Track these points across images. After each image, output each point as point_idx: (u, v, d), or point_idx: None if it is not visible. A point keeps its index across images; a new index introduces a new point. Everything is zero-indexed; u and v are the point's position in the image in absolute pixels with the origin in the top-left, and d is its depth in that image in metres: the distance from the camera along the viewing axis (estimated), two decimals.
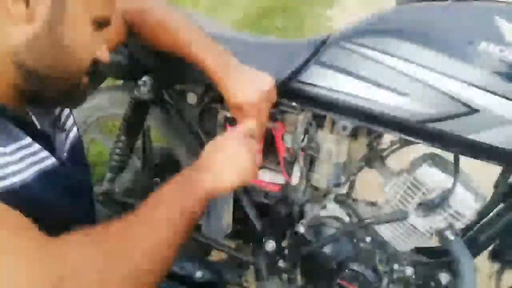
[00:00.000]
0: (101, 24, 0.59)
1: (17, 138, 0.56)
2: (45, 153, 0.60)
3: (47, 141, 0.63)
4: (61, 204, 0.62)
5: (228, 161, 0.67)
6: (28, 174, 0.55)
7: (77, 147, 0.74)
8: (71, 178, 0.66)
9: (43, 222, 0.52)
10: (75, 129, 0.75)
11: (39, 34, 0.54)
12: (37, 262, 0.48)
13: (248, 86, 0.82)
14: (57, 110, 0.70)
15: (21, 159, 0.55)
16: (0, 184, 0.51)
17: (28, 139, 0.58)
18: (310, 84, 0.84)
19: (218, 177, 0.65)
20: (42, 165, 0.59)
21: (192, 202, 0.62)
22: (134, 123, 1.09)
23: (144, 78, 1.00)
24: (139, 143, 1.16)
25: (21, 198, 0.52)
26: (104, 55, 0.62)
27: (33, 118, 0.63)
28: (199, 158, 0.69)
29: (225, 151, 0.68)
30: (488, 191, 0.88)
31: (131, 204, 1.19)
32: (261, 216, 1.03)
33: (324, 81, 0.83)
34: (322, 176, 0.94)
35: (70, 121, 0.74)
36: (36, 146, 0.59)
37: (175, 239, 0.59)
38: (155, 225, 0.58)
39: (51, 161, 0.61)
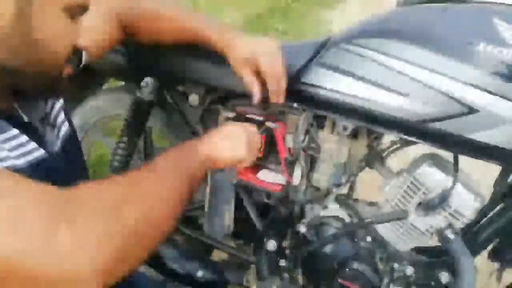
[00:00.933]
0: (75, 12, 0.56)
1: (2, 130, 0.54)
2: (33, 145, 0.58)
3: (35, 134, 0.61)
4: None
5: (227, 138, 0.71)
6: (19, 162, 0.54)
7: (71, 141, 0.72)
8: (65, 171, 0.65)
9: None
10: (66, 123, 0.73)
11: (7, 30, 0.51)
12: (43, 203, 0.47)
13: (255, 42, 0.83)
14: (48, 107, 0.69)
15: (10, 150, 0.54)
16: None
17: (15, 131, 0.56)
18: (311, 85, 0.85)
19: (218, 147, 0.69)
20: (31, 156, 0.57)
21: (193, 164, 0.65)
22: (136, 124, 1.10)
23: (146, 79, 1.00)
24: (141, 144, 1.16)
25: None
26: (82, 41, 0.59)
27: (20, 112, 0.61)
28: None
29: (225, 132, 0.72)
30: (487, 190, 0.88)
31: None
32: (262, 216, 1.04)
33: (325, 82, 0.83)
34: (323, 176, 0.94)
35: (60, 117, 0.71)
36: (24, 138, 0.57)
37: (180, 193, 0.60)
38: (163, 176, 0.60)
39: (40, 153, 0.59)
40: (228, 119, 0.98)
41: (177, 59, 0.93)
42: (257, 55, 0.81)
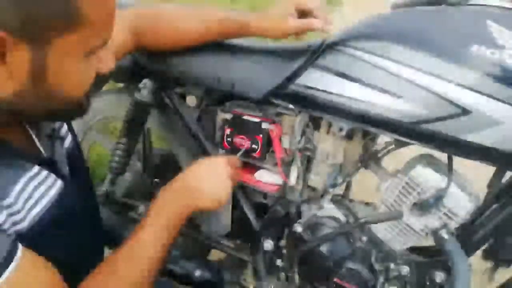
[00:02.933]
0: (96, 49, 0.55)
1: (26, 169, 0.58)
2: (52, 179, 0.62)
3: (53, 167, 0.64)
4: (71, 226, 0.66)
5: (202, 181, 0.76)
6: (44, 201, 0.60)
7: (75, 155, 0.75)
8: (77, 194, 0.69)
9: (56, 252, 0.57)
10: (69, 134, 0.75)
11: (24, 87, 0.51)
12: None
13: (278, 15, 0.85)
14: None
15: (34, 189, 0.58)
16: (18, 226, 0.55)
17: (36, 168, 0.59)
18: (306, 86, 0.85)
19: (198, 197, 0.75)
20: (53, 191, 0.62)
21: (173, 222, 0.72)
22: (134, 126, 1.11)
23: (144, 81, 1.01)
24: (139, 145, 1.17)
25: (33, 236, 0.57)
26: (105, 68, 0.59)
27: (36, 140, 0.64)
28: (175, 179, 0.78)
29: (203, 174, 0.77)
30: (482, 191, 0.89)
31: (131, 205, 1.21)
32: (259, 216, 1.05)
33: (320, 84, 0.84)
34: (319, 176, 0.95)
35: (64, 128, 0.74)
36: (44, 173, 0.61)
37: (163, 252, 0.70)
38: (146, 248, 0.68)
39: (58, 185, 0.63)
40: (225, 120, 0.99)
41: (175, 60, 0.94)
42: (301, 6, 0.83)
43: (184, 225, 0.74)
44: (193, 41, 0.89)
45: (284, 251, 1.02)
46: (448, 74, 0.75)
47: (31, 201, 0.57)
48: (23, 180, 0.57)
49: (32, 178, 0.58)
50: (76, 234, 0.67)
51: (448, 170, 0.84)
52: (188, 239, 1.19)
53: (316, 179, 0.95)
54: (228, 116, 0.98)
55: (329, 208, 0.98)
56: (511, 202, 0.86)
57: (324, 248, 0.95)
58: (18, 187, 0.55)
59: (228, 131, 0.99)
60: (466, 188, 0.85)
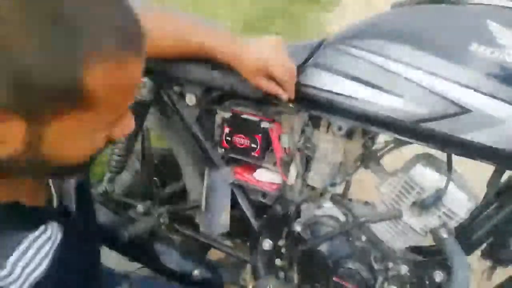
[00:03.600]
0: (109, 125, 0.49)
1: (31, 231, 0.54)
2: (56, 231, 0.58)
3: (65, 212, 0.62)
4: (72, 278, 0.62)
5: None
6: (39, 272, 0.54)
7: (82, 185, 0.70)
8: (79, 230, 0.66)
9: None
10: None
11: (20, 153, 0.45)
12: None
13: (260, 47, 0.81)
14: None
15: (35, 253, 0.54)
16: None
17: (42, 227, 0.55)
18: (306, 85, 0.85)
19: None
20: (55, 245, 0.57)
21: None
22: None
23: (143, 79, 1.01)
24: (138, 144, 1.17)
25: None
26: (119, 134, 0.52)
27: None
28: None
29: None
30: (481, 190, 0.89)
31: (130, 204, 1.20)
32: (258, 215, 1.05)
33: (320, 82, 0.84)
34: (318, 176, 0.95)
35: None
36: (48, 233, 0.56)
37: None
38: None
39: (59, 238, 0.58)
40: (224, 119, 0.99)
41: (174, 59, 0.94)
42: (267, 63, 0.80)
43: None
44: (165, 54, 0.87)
45: (283, 250, 1.02)
46: (448, 73, 0.75)
47: (31, 266, 0.53)
48: (24, 245, 0.53)
49: (35, 240, 0.55)
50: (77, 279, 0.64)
51: (448, 169, 0.84)
52: (187, 239, 1.19)
53: (316, 178, 0.95)
54: (227, 115, 0.98)
55: (328, 208, 0.98)
56: (510, 202, 0.86)
57: (323, 248, 0.95)
58: (16, 254, 0.51)
59: (227, 130, 0.99)
60: (465, 188, 0.85)
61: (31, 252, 0.54)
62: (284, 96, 0.84)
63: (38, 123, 0.43)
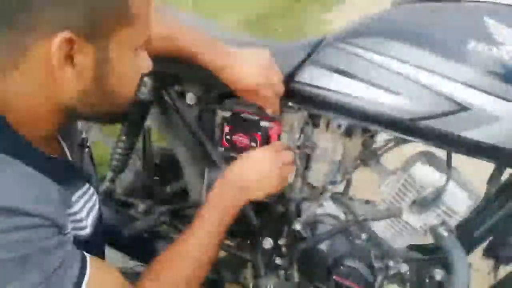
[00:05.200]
0: (141, 47, 0.59)
1: (77, 187, 0.63)
2: (91, 192, 0.67)
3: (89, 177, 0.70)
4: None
5: (256, 175, 0.79)
6: (89, 222, 0.65)
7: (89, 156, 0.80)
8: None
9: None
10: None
11: (87, 87, 0.54)
12: None
13: (248, 64, 0.81)
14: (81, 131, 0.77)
15: (84, 203, 0.64)
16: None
17: (86, 186, 0.65)
18: (305, 84, 0.86)
19: (249, 192, 0.79)
20: (94, 210, 0.67)
21: (227, 219, 0.77)
22: (134, 124, 1.11)
23: (144, 79, 1.01)
24: (139, 143, 1.18)
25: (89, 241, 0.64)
26: (146, 68, 0.62)
27: (68, 153, 0.67)
28: (228, 170, 0.81)
29: (254, 165, 0.80)
30: (481, 188, 0.89)
31: (131, 203, 1.21)
32: (258, 214, 1.05)
33: (319, 80, 0.84)
34: (318, 174, 0.95)
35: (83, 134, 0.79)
36: (90, 192, 0.67)
37: (214, 251, 0.75)
38: (199, 251, 0.73)
39: (95, 201, 0.68)
40: (224, 118, 0.99)
41: (174, 58, 0.94)
42: (250, 80, 0.80)
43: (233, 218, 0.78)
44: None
45: (284, 249, 1.02)
46: (446, 71, 0.75)
47: (85, 211, 0.63)
48: (78, 194, 0.62)
49: (84, 194, 0.64)
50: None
51: (447, 167, 0.83)
52: None
53: (316, 177, 0.96)
54: (227, 114, 0.98)
55: (328, 206, 0.98)
56: (510, 199, 0.86)
57: (323, 246, 0.95)
58: (74, 198, 0.61)
59: (227, 129, 0.99)
60: (465, 186, 0.85)
61: (81, 202, 0.63)
62: (268, 111, 0.87)
63: (103, 45, 0.51)
